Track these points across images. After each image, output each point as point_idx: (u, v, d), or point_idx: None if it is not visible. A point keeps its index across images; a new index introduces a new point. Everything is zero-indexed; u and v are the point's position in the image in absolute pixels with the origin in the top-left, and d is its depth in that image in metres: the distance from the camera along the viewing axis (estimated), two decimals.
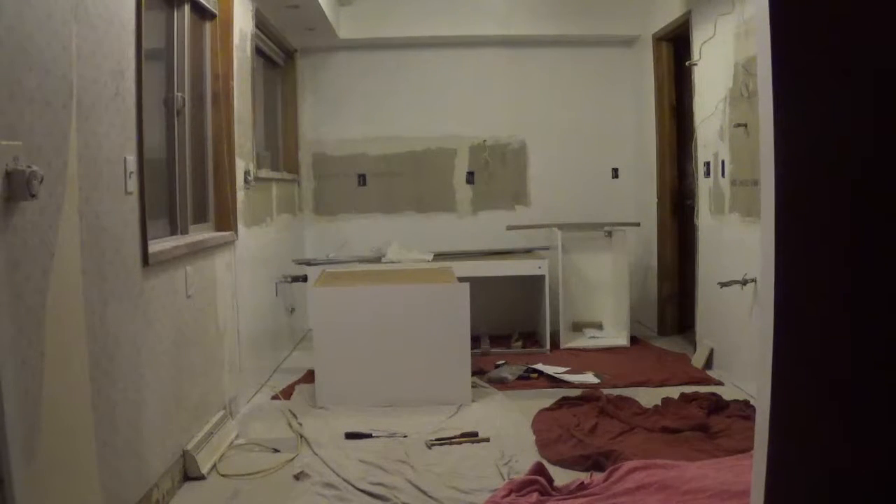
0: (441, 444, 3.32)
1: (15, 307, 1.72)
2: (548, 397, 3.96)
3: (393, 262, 5.19)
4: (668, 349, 5.08)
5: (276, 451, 3.30)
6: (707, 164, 4.62)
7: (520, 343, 5.31)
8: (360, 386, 3.92)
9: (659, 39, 5.47)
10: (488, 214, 6.00)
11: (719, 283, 4.18)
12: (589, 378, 4.39)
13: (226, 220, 3.84)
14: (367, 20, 5.66)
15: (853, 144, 1.36)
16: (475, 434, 3.42)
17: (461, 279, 4.18)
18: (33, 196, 1.74)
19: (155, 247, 2.80)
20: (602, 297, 5.58)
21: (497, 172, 6.02)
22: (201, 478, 2.97)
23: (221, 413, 3.44)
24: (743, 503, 2.29)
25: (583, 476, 2.87)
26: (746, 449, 2.91)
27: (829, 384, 1.39)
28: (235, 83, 3.89)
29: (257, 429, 3.61)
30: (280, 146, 5.77)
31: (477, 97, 5.95)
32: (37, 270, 1.84)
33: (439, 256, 5.36)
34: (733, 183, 4.23)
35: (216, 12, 3.78)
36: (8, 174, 1.69)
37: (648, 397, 3.94)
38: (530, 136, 6.02)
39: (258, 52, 4.79)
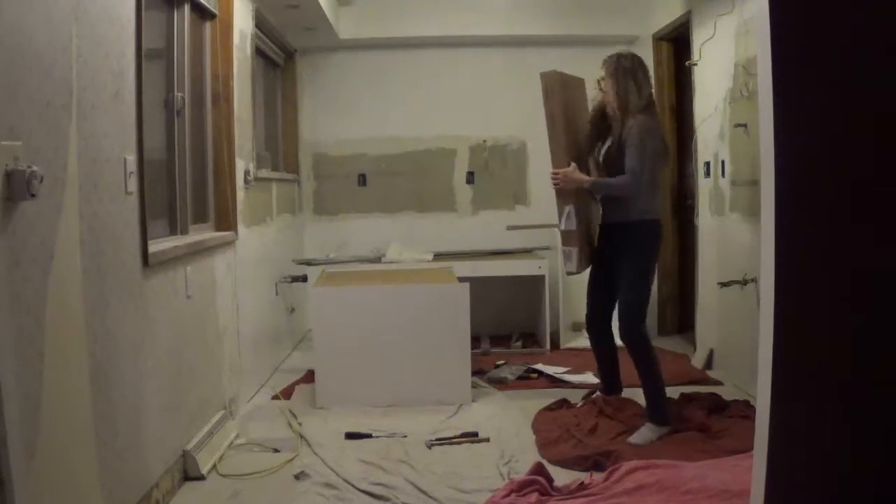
0: (441, 444, 3.32)
1: (15, 307, 1.72)
2: (548, 397, 3.96)
3: (393, 262, 5.19)
4: (668, 349, 5.07)
5: (276, 451, 3.30)
6: (707, 164, 4.62)
7: (520, 343, 5.30)
8: (360, 386, 3.92)
9: (659, 39, 5.46)
10: (488, 214, 5.99)
11: (719, 283, 4.17)
12: (589, 378, 4.38)
13: (226, 220, 3.84)
14: (367, 20, 5.65)
15: (853, 144, 1.36)
16: (475, 434, 3.42)
17: (461, 279, 4.18)
18: (33, 196, 1.74)
19: (155, 247, 2.80)
20: None
21: (497, 172, 6.01)
22: (201, 478, 2.97)
23: (221, 413, 3.44)
24: (743, 503, 2.29)
25: (583, 476, 2.87)
26: (746, 449, 2.90)
27: (828, 385, 1.39)
28: (235, 83, 3.88)
29: (257, 429, 3.61)
30: (280, 146, 5.77)
31: (477, 97, 5.93)
32: (37, 270, 1.84)
33: (439, 256, 5.36)
34: (733, 183, 4.23)
35: (216, 12, 3.78)
36: (8, 174, 1.69)
37: None
38: (530, 136, 5.99)
39: (258, 52, 4.79)
